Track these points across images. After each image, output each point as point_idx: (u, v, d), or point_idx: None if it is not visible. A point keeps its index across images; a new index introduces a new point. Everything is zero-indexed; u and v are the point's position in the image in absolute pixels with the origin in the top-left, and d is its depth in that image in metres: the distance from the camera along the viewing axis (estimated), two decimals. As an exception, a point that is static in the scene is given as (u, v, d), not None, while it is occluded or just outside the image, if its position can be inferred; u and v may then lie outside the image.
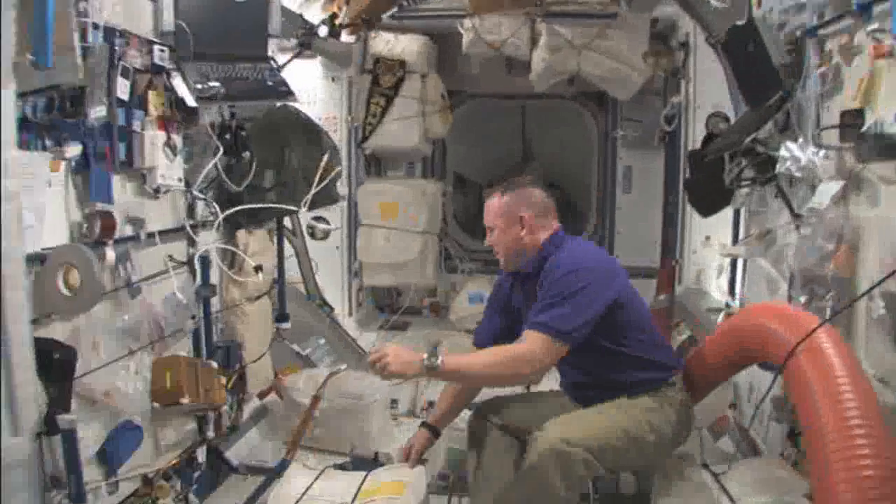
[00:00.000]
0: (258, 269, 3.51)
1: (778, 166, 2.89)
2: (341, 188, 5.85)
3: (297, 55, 4.12)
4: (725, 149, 3.26)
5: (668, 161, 5.90)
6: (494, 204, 3.04)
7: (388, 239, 5.91)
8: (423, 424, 3.34)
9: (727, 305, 4.25)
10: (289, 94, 3.19)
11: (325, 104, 5.86)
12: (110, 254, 2.72)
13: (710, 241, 5.39)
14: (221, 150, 3.15)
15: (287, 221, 5.83)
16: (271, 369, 4.22)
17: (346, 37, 5.56)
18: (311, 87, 5.81)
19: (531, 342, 2.73)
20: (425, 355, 2.72)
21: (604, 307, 2.78)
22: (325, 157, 3.59)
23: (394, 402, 4.44)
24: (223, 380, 3.49)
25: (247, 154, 3.28)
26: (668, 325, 5.47)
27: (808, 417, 2.12)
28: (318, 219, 4.19)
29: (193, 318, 3.34)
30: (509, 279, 3.19)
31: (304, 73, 5.76)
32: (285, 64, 4.16)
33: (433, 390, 4.61)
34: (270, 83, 3.12)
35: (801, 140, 2.84)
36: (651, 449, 2.84)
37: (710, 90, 5.00)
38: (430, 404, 4.46)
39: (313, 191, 3.50)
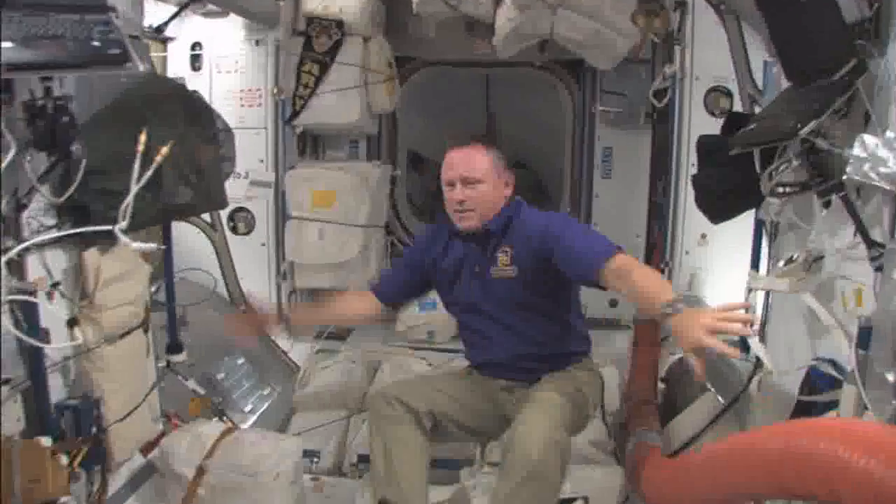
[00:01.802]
0: (72, 323, 2.50)
1: (848, 170, 1.97)
2: (266, 174, 4.96)
3: (184, 7, 3.07)
4: (769, 140, 2.31)
5: (657, 143, 5.11)
6: (483, 156, 2.85)
7: (322, 234, 4.93)
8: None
9: (744, 347, 3.30)
10: (122, 59, 2.15)
11: (247, 74, 4.92)
12: None
13: (706, 239, 4.60)
14: (14, 144, 2.10)
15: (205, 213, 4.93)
16: (154, 418, 3.23)
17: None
18: (229, 52, 4.88)
19: (625, 257, 2.54)
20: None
21: None
22: (166, 145, 2.50)
23: (313, 456, 3.49)
24: (63, 459, 2.51)
25: (77, 148, 2.25)
26: (655, 340, 4.62)
27: None
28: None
29: (7, 382, 2.33)
30: (442, 241, 3.01)
31: (221, 36, 4.85)
32: (170, 20, 3.16)
33: (363, 445, 3.67)
34: (97, 43, 2.09)
35: (890, 134, 1.90)
36: (584, 423, 2.93)
37: (710, 59, 4.41)
38: (361, 458, 3.53)
39: (134, 190, 2.36)
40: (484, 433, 3.03)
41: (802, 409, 2.37)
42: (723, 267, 4.52)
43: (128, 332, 2.90)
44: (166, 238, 3.37)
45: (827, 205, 2.33)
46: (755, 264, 3.26)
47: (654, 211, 5.17)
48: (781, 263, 2.44)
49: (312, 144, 5.56)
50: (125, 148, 2.52)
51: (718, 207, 3.06)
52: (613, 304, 5.48)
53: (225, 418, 3.70)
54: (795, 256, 2.38)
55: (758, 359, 3.11)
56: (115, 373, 2.85)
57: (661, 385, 4.27)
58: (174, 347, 3.49)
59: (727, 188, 2.88)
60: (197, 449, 2.96)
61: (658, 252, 4.83)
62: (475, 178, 2.80)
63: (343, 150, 5.71)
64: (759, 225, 3.23)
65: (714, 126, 4.22)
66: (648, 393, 3.89)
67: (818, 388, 2.32)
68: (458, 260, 2.94)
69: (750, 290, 2.87)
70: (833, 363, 2.32)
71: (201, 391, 3.58)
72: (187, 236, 4.91)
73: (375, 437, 2.81)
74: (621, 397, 4.06)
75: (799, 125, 2.05)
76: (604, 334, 5.29)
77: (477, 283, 2.90)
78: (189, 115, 2.82)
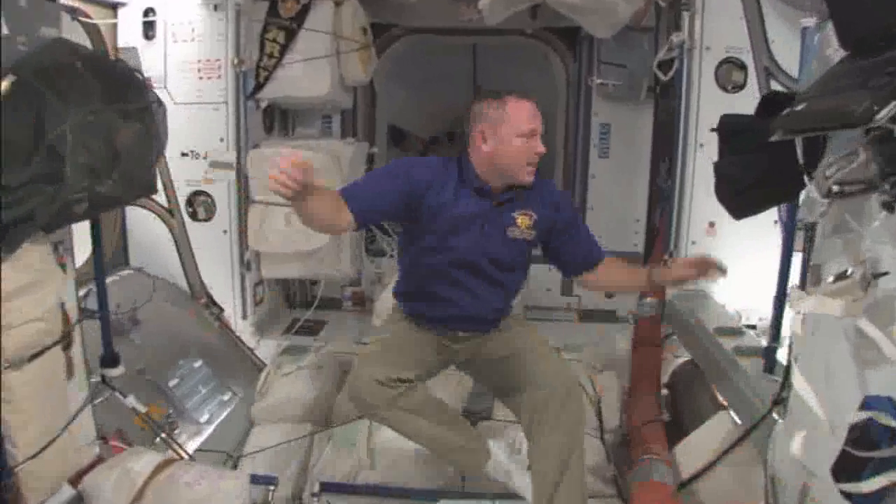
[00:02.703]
0: None
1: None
2: (227, 155, 4.45)
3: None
4: (834, 124, 1.83)
5: (661, 120, 4.71)
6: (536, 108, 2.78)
7: (289, 221, 4.45)
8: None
9: (769, 361, 2.83)
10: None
11: (205, 43, 4.41)
12: None
13: (714, 228, 4.21)
14: None
15: (162, 198, 4.44)
16: (87, 443, 2.76)
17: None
18: (185, 18, 4.37)
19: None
20: None
21: None
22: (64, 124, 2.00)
23: (269, 482, 3.02)
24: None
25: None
26: (657, 339, 4.18)
27: None
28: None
29: None
30: (450, 186, 2.73)
31: (176, 0, 4.33)
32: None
33: (326, 470, 3.22)
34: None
35: None
36: None
37: (722, 28, 3.99)
38: (323, 487, 3.08)
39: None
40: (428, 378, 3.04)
41: (850, 463, 1.91)
42: (733, 259, 4.05)
43: (39, 353, 2.42)
44: (95, 236, 2.89)
45: (888, 207, 1.86)
46: (784, 273, 2.79)
47: (656, 195, 4.78)
48: (831, 279, 1.98)
49: (281, 120, 5.17)
50: (14, 134, 2.03)
51: (743, 200, 2.59)
52: (610, 294, 5.09)
53: (171, 438, 3.25)
54: (849, 271, 1.92)
55: (785, 378, 2.67)
56: (23, 402, 2.38)
57: (663, 391, 3.83)
58: (109, 360, 3.03)
59: (755, 177, 2.41)
60: (125, 489, 2.50)
61: (661, 241, 4.38)
62: (540, 130, 2.75)
63: (315, 126, 5.37)
64: (790, 224, 2.76)
65: (726, 102, 3.91)
66: (653, 407, 3.44)
67: (872, 437, 1.86)
68: (471, 213, 2.75)
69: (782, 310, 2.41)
70: (892, 402, 1.86)
71: (141, 408, 3.12)
72: (144, 224, 4.48)
73: (412, 427, 2.78)
74: (621, 409, 3.60)
75: (875, 107, 1.57)
76: (599, 330, 4.90)
77: (483, 241, 2.76)
78: (106, 90, 2.32)
